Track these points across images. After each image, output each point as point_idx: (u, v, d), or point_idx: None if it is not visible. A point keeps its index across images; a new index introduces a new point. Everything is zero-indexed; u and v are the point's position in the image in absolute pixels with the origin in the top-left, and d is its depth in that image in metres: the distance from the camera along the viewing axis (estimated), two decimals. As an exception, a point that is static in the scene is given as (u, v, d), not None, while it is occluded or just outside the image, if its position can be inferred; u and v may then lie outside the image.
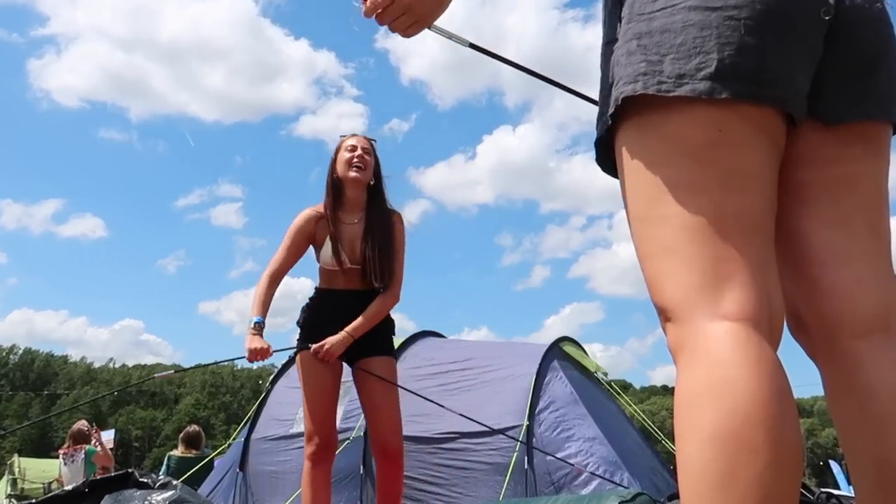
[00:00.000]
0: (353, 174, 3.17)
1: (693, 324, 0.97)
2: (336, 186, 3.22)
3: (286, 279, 3.29)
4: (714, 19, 0.99)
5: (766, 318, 0.97)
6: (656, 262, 1.03)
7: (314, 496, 3.05)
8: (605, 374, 6.35)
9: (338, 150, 3.25)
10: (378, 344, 3.14)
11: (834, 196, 1.12)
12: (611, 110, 1.07)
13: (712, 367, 0.92)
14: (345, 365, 3.18)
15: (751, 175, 1.01)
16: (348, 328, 3.05)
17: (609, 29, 1.13)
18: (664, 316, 1.02)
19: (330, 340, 3.03)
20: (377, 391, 3.08)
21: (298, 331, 3.22)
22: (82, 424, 8.01)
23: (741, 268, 0.98)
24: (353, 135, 3.31)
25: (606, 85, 1.10)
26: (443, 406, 4.06)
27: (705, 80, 0.98)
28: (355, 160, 3.17)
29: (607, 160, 1.16)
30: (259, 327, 3.06)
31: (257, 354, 3.00)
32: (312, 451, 3.07)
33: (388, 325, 3.23)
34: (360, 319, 3.07)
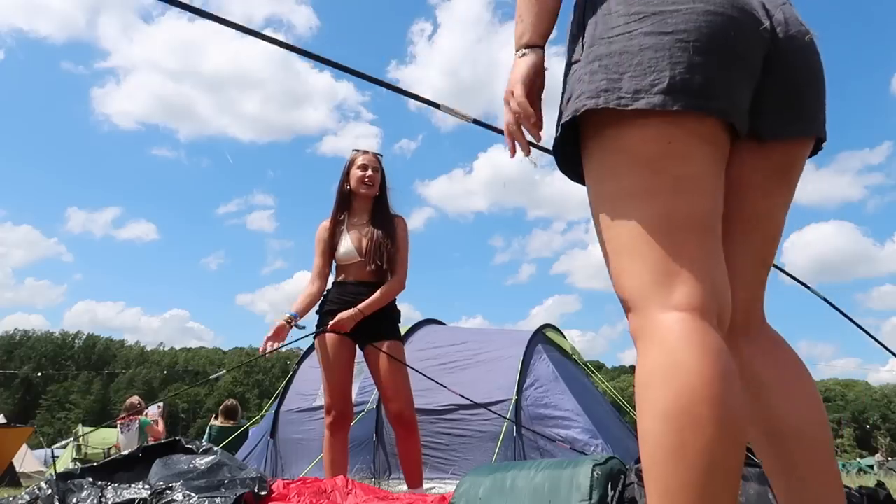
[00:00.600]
0: (364, 191, 3.20)
1: (648, 314, 0.96)
2: (347, 196, 3.24)
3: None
4: (667, 42, 0.99)
5: (715, 309, 0.96)
6: (617, 260, 1.02)
7: (333, 460, 3.05)
8: (580, 358, 6.34)
9: (351, 165, 3.24)
10: (387, 330, 3.13)
11: (748, 229, 1.13)
12: (566, 119, 1.05)
13: (664, 353, 0.92)
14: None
15: (698, 180, 1.00)
16: (359, 306, 3.04)
17: (572, 51, 1.10)
18: (625, 307, 1.02)
19: (341, 314, 3.03)
20: (390, 371, 3.06)
21: (317, 318, 3.21)
22: (134, 399, 8.16)
23: (690, 264, 0.96)
24: (365, 152, 3.28)
25: (564, 101, 1.08)
26: (443, 385, 4.06)
27: (659, 94, 0.97)
28: (367, 179, 3.18)
29: (567, 166, 1.14)
30: (290, 319, 3.07)
31: (274, 335, 3.00)
32: (331, 421, 3.06)
33: (395, 315, 3.21)
34: (369, 299, 3.06)
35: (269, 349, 3.00)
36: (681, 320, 0.93)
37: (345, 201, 3.23)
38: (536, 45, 1.12)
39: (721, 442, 0.85)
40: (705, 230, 0.99)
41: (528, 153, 1.15)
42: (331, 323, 3.04)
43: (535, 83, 1.12)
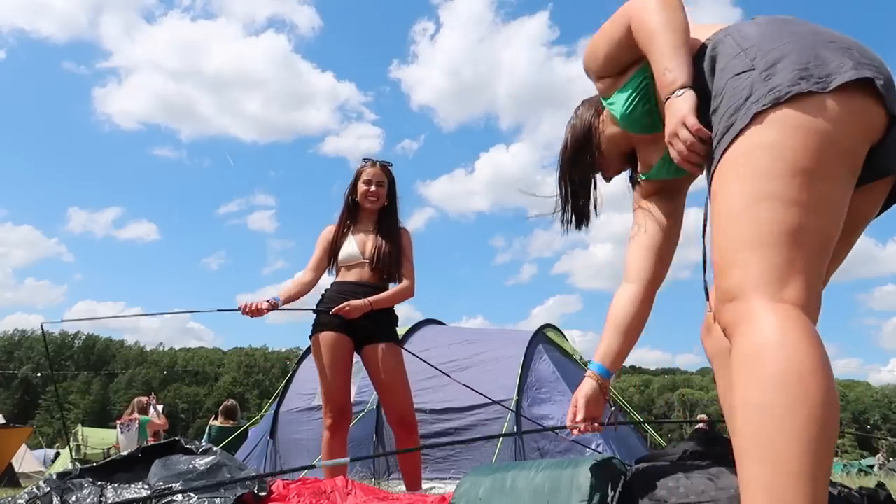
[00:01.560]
0: (367, 205, 3.22)
1: (756, 301, 1.04)
2: (353, 207, 3.27)
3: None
4: (832, 47, 1.14)
5: (811, 314, 1.05)
6: (734, 252, 1.09)
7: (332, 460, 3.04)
8: (581, 358, 6.33)
9: (358, 177, 3.24)
10: (384, 333, 3.12)
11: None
12: (760, 107, 1.11)
13: (774, 330, 1.00)
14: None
15: (836, 204, 1.10)
16: (369, 298, 3.05)
17: (739, 64, 1.19)
18: (726, 297, 1.08)
19: (351, 302, 3.02)
20: (389, 373, 3.05)
21: (314, 317, 3.20)
22: (144, 399, 8.29)
23: (805, 274, 1.05)
24: (373, 164, 3.26)
25: (738, 100, 1.15)
26: (451, 377, 4.06)
27: (849, 70, 1.10)
28: (370, 195, 3.20)
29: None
30: (273, 302, 3.03)
31: (251, 307, 2.99)
32: (330, 421, 3.05)
33: (391, 319, 3.21)
34: (379, 295, 3.08)
35: (244, 308, 2.98)
36: (791, 309, 1.02)
37: (351, 211, 3.26)
38: (689, 86, 1.24)
39: (827, 409, 0.94)
40: (823, 252, 1.09)
41: (700, 172, 1.29)
42: (337, 307, 3.01)
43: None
